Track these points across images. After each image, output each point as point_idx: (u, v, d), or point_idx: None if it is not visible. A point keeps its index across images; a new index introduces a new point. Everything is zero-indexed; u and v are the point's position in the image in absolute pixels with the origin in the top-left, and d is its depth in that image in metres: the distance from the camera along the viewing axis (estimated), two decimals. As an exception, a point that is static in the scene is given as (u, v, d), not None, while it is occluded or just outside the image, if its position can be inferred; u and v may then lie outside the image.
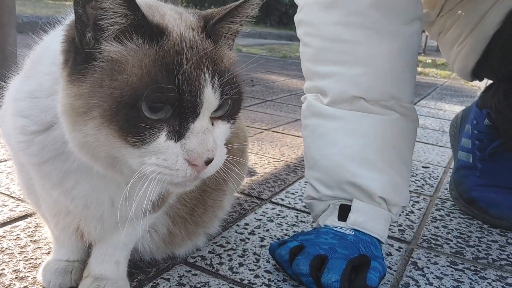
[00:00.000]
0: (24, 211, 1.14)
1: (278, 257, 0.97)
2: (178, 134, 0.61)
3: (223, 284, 0.93)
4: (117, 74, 0.59)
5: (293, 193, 1.47)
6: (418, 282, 1.01)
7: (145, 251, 0.96)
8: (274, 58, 6.38)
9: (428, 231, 1.29)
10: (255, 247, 1.10)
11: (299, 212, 1.33)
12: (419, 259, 1.12)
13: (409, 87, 1.10)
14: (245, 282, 0.95)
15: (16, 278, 0.88)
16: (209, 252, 1.06)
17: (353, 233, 1.00)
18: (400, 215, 1.36)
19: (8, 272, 0.89)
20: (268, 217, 1.27)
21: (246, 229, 1.19)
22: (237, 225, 1.21)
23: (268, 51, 7.36)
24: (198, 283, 0.93)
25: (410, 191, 1.57)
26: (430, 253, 1.15)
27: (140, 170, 0.62)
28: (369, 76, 1.05)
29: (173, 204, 0.92)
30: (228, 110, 0.67)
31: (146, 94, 0.57)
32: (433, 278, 1.03)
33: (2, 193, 1.23)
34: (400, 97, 1.07)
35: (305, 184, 1.36)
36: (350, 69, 1.05)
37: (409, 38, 1.07)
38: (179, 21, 0.65)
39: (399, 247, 1.17)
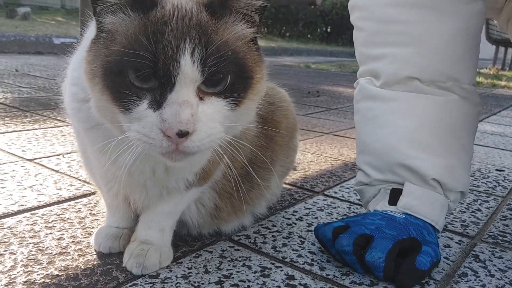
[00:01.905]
0: (87, 190, 1.23)
1: (321, 236, 0.94)
2: (158, 103, 0.62)
3: (264, 260, 0.92)
4: (110, 43, 0.64)
5: (348, 188, 1.43)
6: (477, 273, 0.92)
7: (192, 225, 0.98)
8: (343, 73, 6.30)
9: (496, 228, 1.18)
10: (301, 231, 1.08)
11: (352, 204, 1.28)
12: (482, 252, 1.02)
13: (469, 69, 1.03)
14: (287, 260, 0.93)
15: (73, 242, 0.94)
16: (254, 232, 1.05)
17: (404, 216, 0.94)
18: (464, 212, 1.27)
19: (66, 237, 0.96)
20: (318, 207, 1.24)
21: (294, 215, 1.17)
22: (285, 212, 1.19)
23: (338, 67, 7.29)
24: (239, 257, 0.93)
25: (479, 191, 1.46)
26: (495, 248, 1.05)
27: (126, 135, 0.64)
28: (424, 56, 1.00)
29: (219, 180, 0.94)
30: (226, 87, 0.64)
31: (125, 61, 0.61)
32: (496, 271, 0.94)
33: (71, 176, 1.34)
34: (459, 78, 1.01)
35: (359, 176, 1.31)
36: (404, 49, 1.01)
37: (469, 17, 1.01)
38: None
39: (460, 241, 1.08)
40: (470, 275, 0.91)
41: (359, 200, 1.30)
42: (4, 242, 0.91)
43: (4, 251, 0.88)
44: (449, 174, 0.97)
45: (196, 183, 0.86)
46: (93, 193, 1.20)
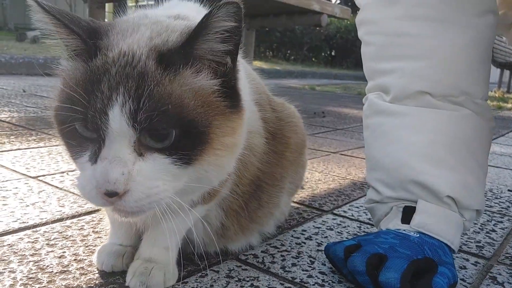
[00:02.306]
0: (91, 208, 1.20)
1: (332, 255, 0.90)
2: (95, 157, 0.59)
3: (273, 280, 0.88)
4: (60, 89, 0.62)
5: (357, 207, 1.39)
6: (497, 296, 0.88)
7: (198, 244, 0.95)
8: (349, 95, 6.31)
9: (513, 249, 1.13)
10: (310, 250, 1.04)
11: (362, 223, 1.25)
12: (500, 274, 0.98)
13: (482, 83, 1.01)
14: (297, 280, 0.89)
15: (74, 260, 0.91)
16: (262, 251, 1.02)
17: (418, 235, 0.90)
18: (479, 232, 1.22)
19: (68, 255, 0.93)
20: (328, 226, 1.21)
21: (303, 234, 1.14)
22: (294, 231, 1.16)
23: (343, 89, 7.32)
24: (247, 277, 0.89)
25: (493, 211, 1.42)
26: (514, 269, 1.01)
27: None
28: (436, 69, 0.98)
29: (226, 197, 0.91)
30: (172, 143, 0.58)
31: (60, 110, 0.59)
32: (516, 293, 0.89)
33: (75, 193, 1.31)
34: (472, 93, 0.98)
35: (369, 195, 1.28)
36: (415, 63, 0.99)
37: (481, 30, 0.99)
38: (138, 40, 0.62)
39: (476, 262, 1.04)
40: (490, 298, 0.87)
41: (369, 219, 1.26)
42: (3, 260, 0.88)
43: (3, 269, 0.85)
44: (465, 191, 0.94)
45: (201, 202, 0.83)
46: (97, 211, 1.17)
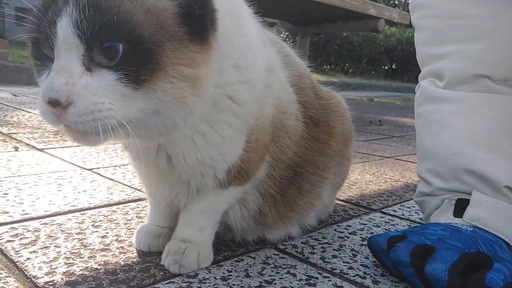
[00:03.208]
0: (137, 196, 1.23)
1: (374, 245, 0.85)
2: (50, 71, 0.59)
3: (310, 269, 0.85)
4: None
5: (409, 207, 1.31)
6: None
7: (236, 229, 0.94)
8: (409, 106, 6.07)
9: None
10: (354, 244, 0.99)
11: (413, 223, 1.17)
12: None
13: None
14: (337, 271, 0.85)
15: (116, 240, 0.93)
16: (302, 242, 0.98)
17: (471, 228, 0.83)
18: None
19: (110, 235, 0.95)
20: (375, 223, 1.14)
21: (347, 229, 1.08)
22: (338, 225, 1.11)
23: (403, 101, 7.07)
24: (284, 265, 0.86)
25: None
26: None
27: None
28: (496, 51, 0.90)
29: (263, 180, 0.89)
30: (120, 59, 0.57)
31: (27, 27, 0.59)
32: None
33: (124, 184, 1.35)
34: (535, 78, 0.90)
35: (421, 193, 1.20)
36: (473, 45, 0.92)
37: None
38: None
39: (542, 265, 0.93)
40: (556, 301, 0.77)
41: (421, 219, 1.18)
42: (51, 236, 0.92)
43: (50, 243, 0.89)
44: (526, 182, 0.85)
45: (233, 182, 0.82)
46: (143, 199, 1.20)
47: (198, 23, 0.62)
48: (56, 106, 0.56)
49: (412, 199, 1.40)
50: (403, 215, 1.23)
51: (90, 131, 0.58)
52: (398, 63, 13.86)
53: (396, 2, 15.22)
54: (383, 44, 12.91)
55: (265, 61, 0.79)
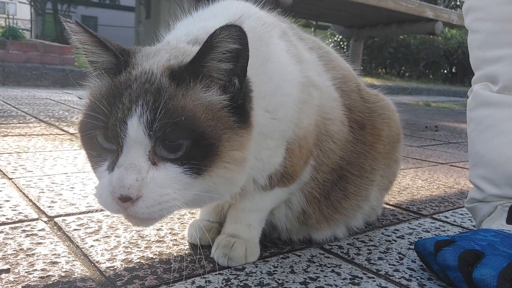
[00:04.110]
0: (190, 194, 1.29)
1: (421, 249, 0.85)
2: (112, 166, 0.62)
3: (355, 270, 0.86)
4: (87, 104, 0.67)
5: (462, 214, 1.28)
6: None
7: (281, 228, 0.97)
8: (468, 112, 5.79)
9: None
10: (401, 248, 0.98)
11: (464, 229, 1.14)
12: None
13: None
14: (382, 272, 0.85)
15: (170, 233, 0.99)
16: (348, 243, 0.99)
17: (525, 236, 0.80)
18: None
19: (165, 229, 1.02)
20: (424, 228, 1.13)
21: (395, 233, 1.08)
22: (385, 229, 1.11)
23: (462, 106, 6.75)
24: (329, 264, 0.88)
25: None
26: None
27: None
28: None
29: (307, 182, 0.92)
30: (184, 153, 0.61)
31: (88, 122, 0.63)
32: None
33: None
34: None
35: (475, 199, 1.16)
36: None
37: None
38: (158, 61, 0.66)
39: None
40: None
41: (474, 227, 1.15)
42: (112, 227, 1.00)
43: (111, 233, 0.96)
44: None
45: (277, 185, 0.85)
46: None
47: (241, 109, 0.68)
48: (127, 201, 0.60)
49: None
50: (455, 221, 1.20)
51: (155, 218, 0.64)
52: (458, 67, 13.26)
53: (458, 3, 14.57)
54: (442, 47, 12.40)
55: (297, 83, 0.82)
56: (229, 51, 0.63)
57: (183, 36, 0.78)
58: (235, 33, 0.61)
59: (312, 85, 0.86)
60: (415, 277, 0.84)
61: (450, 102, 7.40)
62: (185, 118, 0.61)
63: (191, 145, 0.61)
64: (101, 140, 0.63)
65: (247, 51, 0.64)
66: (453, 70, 13.57)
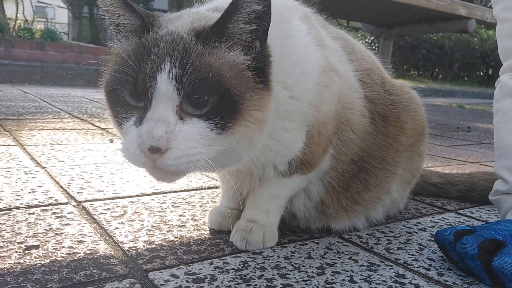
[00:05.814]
0: (213, 184, 1.32)
1: (441, 238, 0.83)
2: (140, 120, 0.64)
3: (373, 258, 0.86)
4: (113, 64, 0.69)
5: (488, 210, 1.25)
6: None
7: (300, 217, 0.98)
8: (504, 114, 5.60)
9: None
10: (422, 239, 0.97)
11: (490, 224, 1.11)
12: None
13: None
14: (400, 261, 0.85)
15: (191, 219, 1.02)
16: (368, 234, 0.99)
17: (550, 227, 0.78)
18: None
19: (187, 215, 1.05)
20: (447, 222, 1.11)
21: (417, 226, 1.07)
22: (407, 221, 1.10)
23: (498, 108, 6.51)
24: (347, 251, 0.88)
25: None
26: None
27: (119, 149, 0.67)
28: None
29: (326, 172, 0.92)
30: (209, 109, 0.64)
31: (116, 79, 0.65)
32: None
33: (202, 173, 1.45)
34: None
35: None
36: None
37: None
38: (182, 23, 0.69)
39: None
40: None
41: (500, 222, 1.12)
42: (137, 212, 1.04)
43: (135, 217, 1.00)
44: None
45: (296, 172, 0.86)
46: (218, 187, 1.28)
47: (262, 72, 0.70)
48: (156, 152, 0.62)
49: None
50: (480, 217, 1.18)
51: (181, 171, 0.66)
52: (496, 69, 12.79)
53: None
54: (479, 48, 12.01)
55: (318, 65, 0.83)
56: (253, 12, 0.66)
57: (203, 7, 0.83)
58: None
59: (333, 70, 0.86)
60: (434, 266, 0.83)
61: (485, 105, 7.17)
62: (212, 74, 0.64)
63: (217, 101, 0.64)
64: (128, 97, 0.66)
65: (269, 13, 0.66)
66: (490, 72, 13.11)
